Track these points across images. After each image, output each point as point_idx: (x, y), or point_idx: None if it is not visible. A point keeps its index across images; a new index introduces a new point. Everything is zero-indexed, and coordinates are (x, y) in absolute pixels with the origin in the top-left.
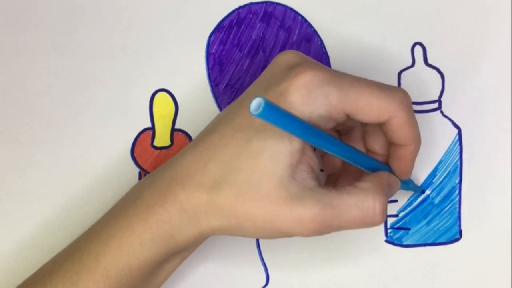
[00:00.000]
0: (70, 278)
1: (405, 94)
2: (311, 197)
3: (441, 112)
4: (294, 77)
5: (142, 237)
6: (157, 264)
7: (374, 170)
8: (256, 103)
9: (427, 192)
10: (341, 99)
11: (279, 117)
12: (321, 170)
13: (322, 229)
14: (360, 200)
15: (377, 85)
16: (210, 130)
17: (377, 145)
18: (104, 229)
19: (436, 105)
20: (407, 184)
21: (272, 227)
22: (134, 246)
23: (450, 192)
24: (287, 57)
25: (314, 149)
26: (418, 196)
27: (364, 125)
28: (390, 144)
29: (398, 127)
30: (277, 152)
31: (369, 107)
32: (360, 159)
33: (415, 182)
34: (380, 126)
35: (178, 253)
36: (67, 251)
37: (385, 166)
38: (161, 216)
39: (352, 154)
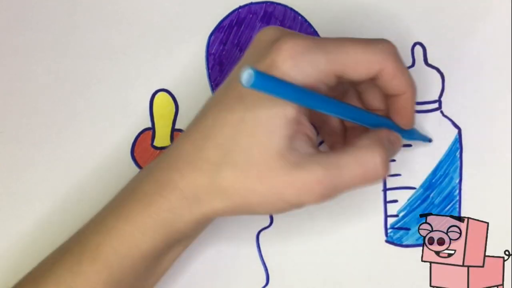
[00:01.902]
0: (71, 269)
1: (389, 43)
2: (312, 161)
3: (441, 112)
4: (278, 50)
5: (143, 227)
6: (159, 253)
7: (376, 125)
8: (247, 75)
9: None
10: (328, 62)
11: (272, 84)
12: (320, 143)
13: (328, 191)
14: (359, 156)
15: (361, 41)
16: (201, 115)
17: (375, 101)
18: (104, 220)
19: (436, 105)
20: (413, 134)
21: (278, 199)
22: (135, 236)
23: (450, 192)
24: (268, 32)
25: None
26: (418, 196)
27: (357, 85)
28: (388, 97)
29: (390, 77)
30: (272, 126)
31: (357, 64)
32: (360, 115)
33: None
34: (373, 81)
35: (180, 241)
36: (66, 244)
37: (387, 119)
38: (161, 204)
39: (351, 112)
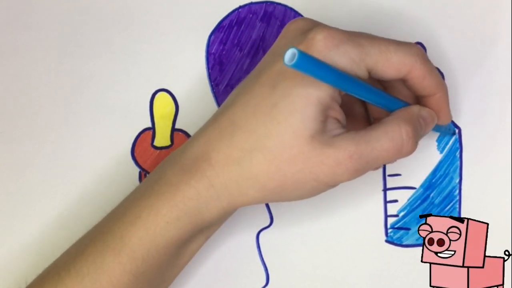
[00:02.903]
0: (94, 260)
1: (419, 47)
2: (342, 138)
3: None
4: (313, 40)
5: (168, 216)
6: (183, 243)
7: None
8: (290, 54)
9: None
10: (361, 56)
11: (313, 65)
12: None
13: (361, 166)
14: (387, 130)
15: (393, 41)
16: (229, 104)
17: (405, 100)
18: (128, 211)
19: None
20: (440, 126)
21: (312, 179)
22: (160, 225)
23: (450, 192)
24: (299, 23)
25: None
26: (419, 196)
27: (385, 83)
28: (420, 98)
29: (420, 79)
30: (307, 112)
31: (388, 63)
32: (393, 102)
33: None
34: (404, 82)
35: (203, 231)
36: (88, 236)
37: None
38: (187, 193)
39: (385, 98)
